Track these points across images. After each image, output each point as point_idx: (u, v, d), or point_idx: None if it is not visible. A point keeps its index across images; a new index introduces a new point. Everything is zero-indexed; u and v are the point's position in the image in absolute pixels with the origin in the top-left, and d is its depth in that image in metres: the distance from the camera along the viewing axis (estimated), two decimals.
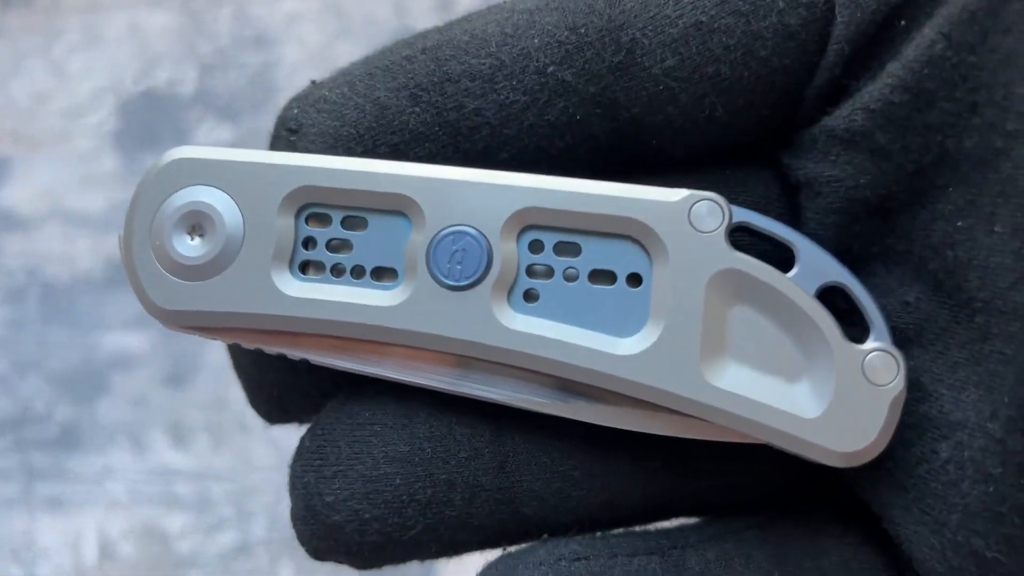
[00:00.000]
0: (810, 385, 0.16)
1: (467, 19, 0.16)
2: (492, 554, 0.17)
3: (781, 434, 0.16)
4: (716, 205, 0.15)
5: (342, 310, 0.16)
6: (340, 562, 0.17)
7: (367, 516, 0.16)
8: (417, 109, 0.16)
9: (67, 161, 0.49)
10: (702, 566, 0.16)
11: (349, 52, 0.50)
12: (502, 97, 0.15)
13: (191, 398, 0.45)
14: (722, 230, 0.15)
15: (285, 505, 0.47)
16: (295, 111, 0.17)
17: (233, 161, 0.16)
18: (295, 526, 0.17)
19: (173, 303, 0.17)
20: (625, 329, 0.16)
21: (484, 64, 0.15)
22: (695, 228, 0.15)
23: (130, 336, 0.46)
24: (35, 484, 0.44)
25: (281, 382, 0.18)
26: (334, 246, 0.16)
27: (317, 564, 0.47)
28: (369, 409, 0.16)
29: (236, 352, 0.19)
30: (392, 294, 0.16)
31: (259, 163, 0.16)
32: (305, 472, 0.16)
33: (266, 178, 0.16)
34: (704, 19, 0.15)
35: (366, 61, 0.17)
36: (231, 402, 0.45)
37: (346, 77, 0.17)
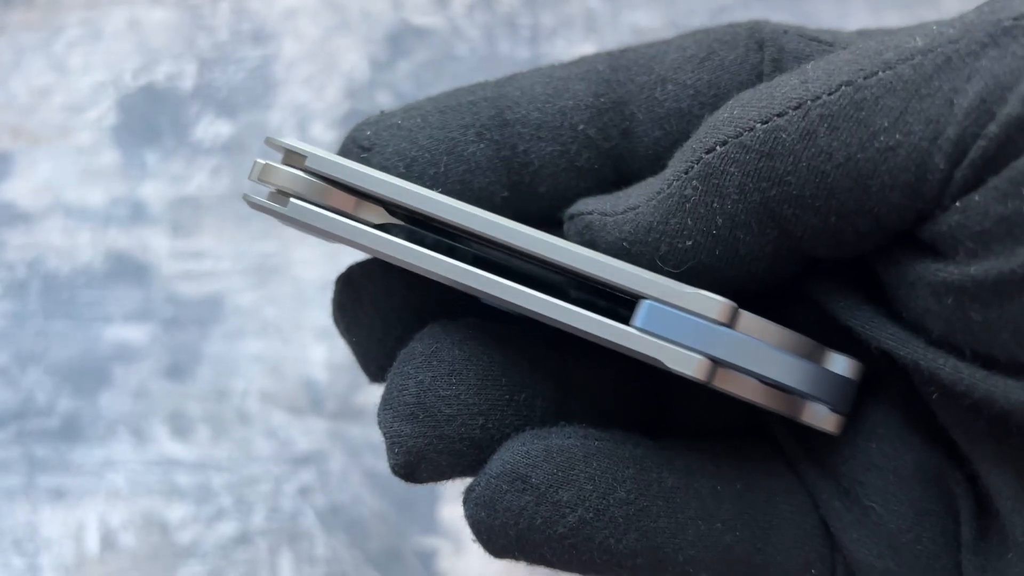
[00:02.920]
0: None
1: (515, 78, 0.20)
2: None
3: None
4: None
5: None
6: (441, 464, 0.18)
7: (476, 411, 0.18)
8: (481, 145, 0.19)
9: (67, 155, 0.49)
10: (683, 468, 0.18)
11: (347, 46, 0.50)
12: (544, 144, 0.19)
13: (191, 390, 0.45)
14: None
15: (284, 496, 0.47)
16: (368, 132, 0.20)
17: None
18: (397, 429, 0.18)
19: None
20: None
21: (532, 116, 0.19)
22: None
23: (131, 328, 0.46)
24: (37, 475, 0.44)
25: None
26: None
27: (317, 554, 0.47)
28: (472, 327, 0.19)
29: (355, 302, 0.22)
30: None
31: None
32: (419, 371, 0.18)
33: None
34: (683, 106, 0.18)
35: (434, 101, 0.20)
36: (231, 394, 0.45)
37: (418, 111, 0.20)
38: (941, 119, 0.14)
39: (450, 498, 0.43)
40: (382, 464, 0.43)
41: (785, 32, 0.19)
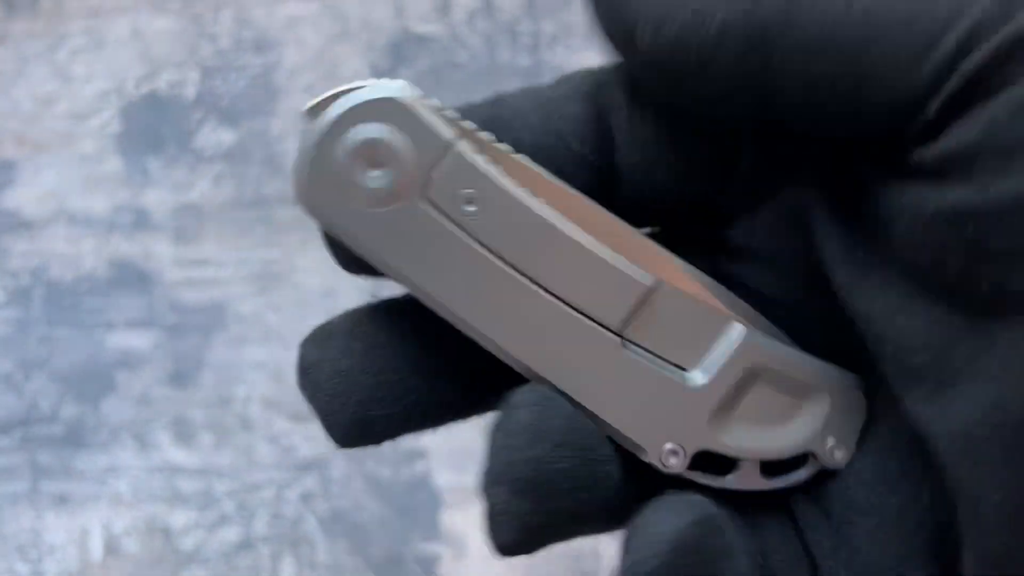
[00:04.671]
0: None
1: (504, 100, 0.19)
2: None
3: None
4: None
5: None
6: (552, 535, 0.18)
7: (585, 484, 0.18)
8: None
9: (71, 163, 0.49)
10: None
11: (348, 54, 0.51)
12: (542, 165, 0.18)
13: (194, 397, 0.45)
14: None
15: (286, 502, 0.47)
16: None
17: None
18: (514, 505, 0.18)
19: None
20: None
21: (526, 139, 0.18)
22: None
23: (134, 335, 0.46)
24: (41, 482, 0.44)
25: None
26: None
27: (319, 560, 0.47)
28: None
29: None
30: None
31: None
32: (530, 446, 0.18)
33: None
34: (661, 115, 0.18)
35: None
36: (234, 400, 0.45)
37: None
38: (964, 5, 0.14)
39: (451, 504, 0.43)
40: (384, 470, 0.43)
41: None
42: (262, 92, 0.50)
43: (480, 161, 0.16)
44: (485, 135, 0.17)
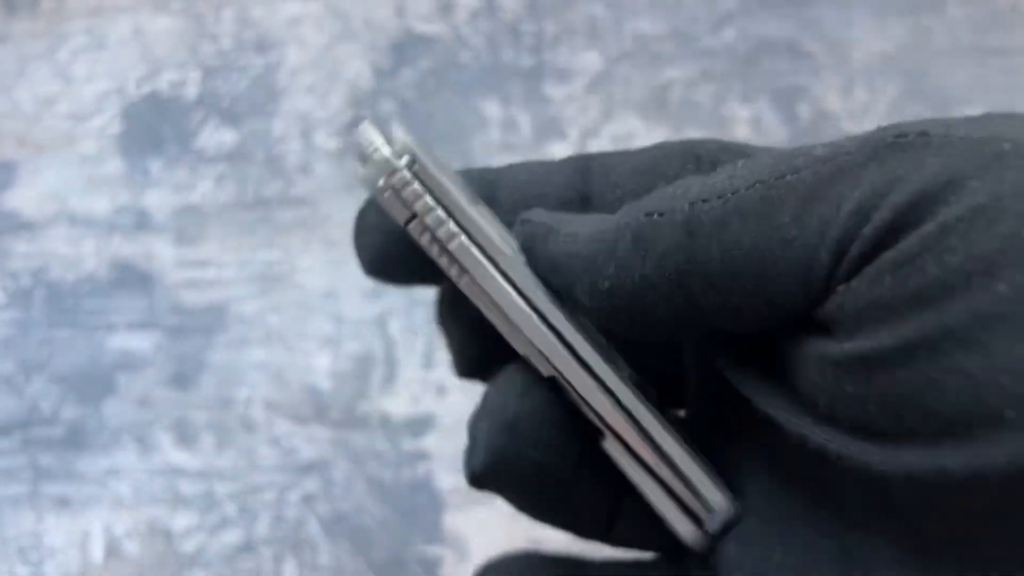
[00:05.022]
0: None
1: (507, 169, 0.23)
2: None
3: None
4: None
5: None
6: (512, 480, 0.21)
7: (560, 451, 0.21)
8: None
9: (72, 164, 0.49)
10: None
11: (350, 54, 0.51)
12: None
13: (196, 398, 0.45)
14: None
15: (288, 504, 0.47)
16: None
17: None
18: (491, 438, 0.21)
19: None
20: None
21: (520, 201, 0.22)
22: None
23: (135, 337, 0.46)
24: (42, 484, 0.44)
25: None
26: None
27: (321, 563, 0.47)
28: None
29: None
30: None
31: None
32: (519, 400, 0.21)
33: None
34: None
35: None
36: (235, 402, 0.45)
37: None
38: (830, 220, 0.16)
39: (454, 507, 0.43)
40: (386, 473, 0.43)
41: (721, 148, 0.22)
42: (264, 92, 0.50)
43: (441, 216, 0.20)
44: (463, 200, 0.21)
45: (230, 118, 0.49)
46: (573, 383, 0.20)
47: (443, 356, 0.45)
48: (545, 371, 0.20)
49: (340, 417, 0.45)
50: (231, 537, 0.43)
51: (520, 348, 0.20)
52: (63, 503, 0.44)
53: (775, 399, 0.19)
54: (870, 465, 0.16)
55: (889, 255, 0.16)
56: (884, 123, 0.17)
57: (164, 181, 0.49)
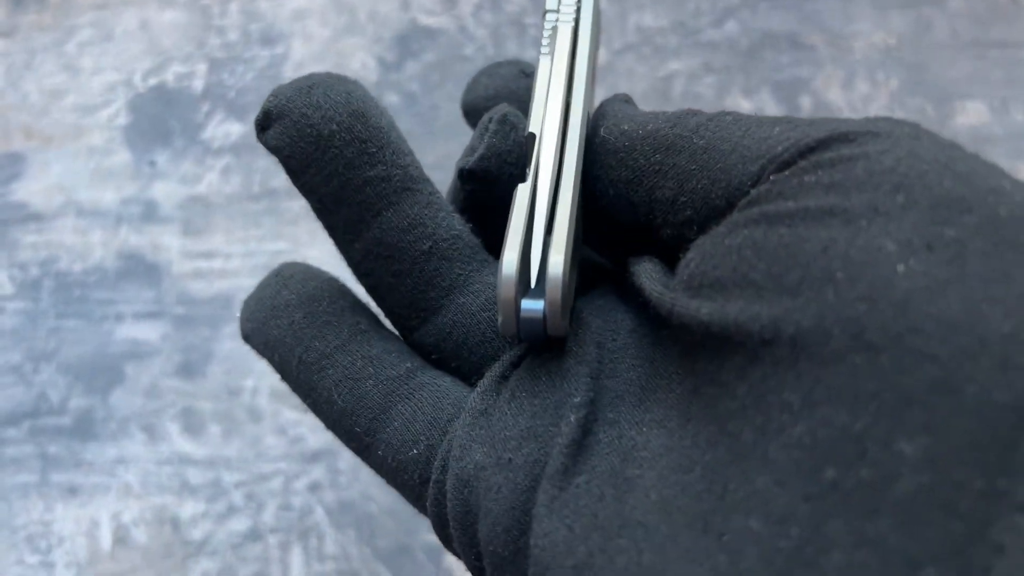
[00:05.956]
0: None
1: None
2: None
3: None
4: None
5: None
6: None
7: None
8: None
9: (80, 156, 0.49)
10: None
11: (355, 47, 0.51)
12: None
13: (203, 388, 0.45)
14: None
15: (294, 493, 0.47)
16: None
17: None
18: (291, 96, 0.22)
19: None
20: None
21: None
22: None
23: (143, 327, 0.46)
24: (50, 473, 0.45)
25: None
26: None
27: (327, 551, 0.47)
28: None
29: None
30: None
31: None
32: None
33: None
34: None
35: None
36: (242, 392, 0.45)
37: None
38: (769, 138, 0.20)
39: None
40: None
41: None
42: (270, 84, 0.50)
43: None
44: None
45: (236, 110, 0.50)
46: (544, 139, 0.22)
47: None
48: (535, 128, 0.22)
49: None
50: (238, 525, 0.43)
51: (534, 109, 0.22)
52: (71, 492, 0.44)
53: (647, 274, 0.21)
54: (697, 317, 0.18)
55: (802, 164, 0.18)
56: (885, 115, 0.18)
57: (171, 172, 0.49)
